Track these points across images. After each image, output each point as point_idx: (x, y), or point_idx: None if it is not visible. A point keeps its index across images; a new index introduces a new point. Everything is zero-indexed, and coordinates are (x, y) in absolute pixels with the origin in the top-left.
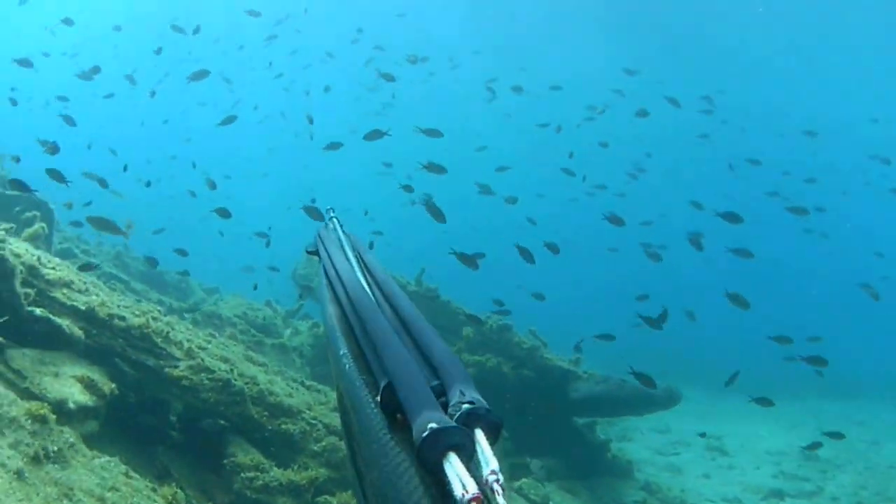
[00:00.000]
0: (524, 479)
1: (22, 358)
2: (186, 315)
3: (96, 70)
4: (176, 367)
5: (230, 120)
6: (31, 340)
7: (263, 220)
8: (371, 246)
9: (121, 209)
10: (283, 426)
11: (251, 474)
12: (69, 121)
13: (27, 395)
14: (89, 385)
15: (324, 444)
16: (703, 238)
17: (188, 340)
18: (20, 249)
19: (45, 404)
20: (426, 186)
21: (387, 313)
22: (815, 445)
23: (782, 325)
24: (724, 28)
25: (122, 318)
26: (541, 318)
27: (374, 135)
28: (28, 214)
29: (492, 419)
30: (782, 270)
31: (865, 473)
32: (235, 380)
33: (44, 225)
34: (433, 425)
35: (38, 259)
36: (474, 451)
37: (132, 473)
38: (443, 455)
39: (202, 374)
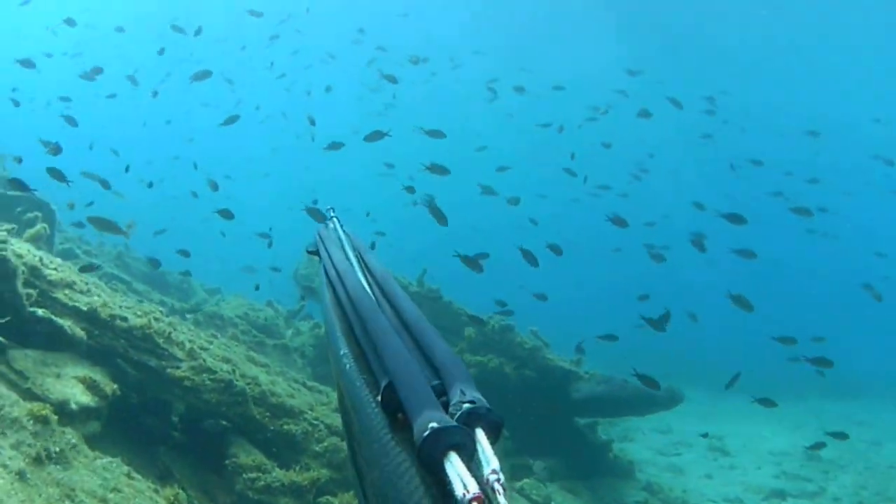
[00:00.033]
0: (526, 480)
1: (24, 359)
2: (188, 316)
3: (98, 70)
4: (178, 367)
5: (233, 119)
6: (33, 341)
7: (265, 221)
8: (373, 246)
9: (123, 210)
10: (285, 427)
11: (253, 475)
12: (71, 121)
13: (29, 395)
14: (91, 386)
15: (326, 444)
16: (705, 239)
17: (190, 341)
18: (22, 250)
19: (47, 405)
20: (428, 187)
21: (387, 312)
22: (819, 445)
23: (784, 326)
24: (726, 28)
25: (124, 319)
26: (543, 319)
27: (375, 136)
28: (30, 215)
29: (492, 418)
30: (784, 270)
31: (866, 473)
32: (237, 380)
33: (45, 225)
34: (434, 425)
35: (40, 260)
36: (475, 450)
37: (134, 474)
38: (444, 454)
39: (204, 375)
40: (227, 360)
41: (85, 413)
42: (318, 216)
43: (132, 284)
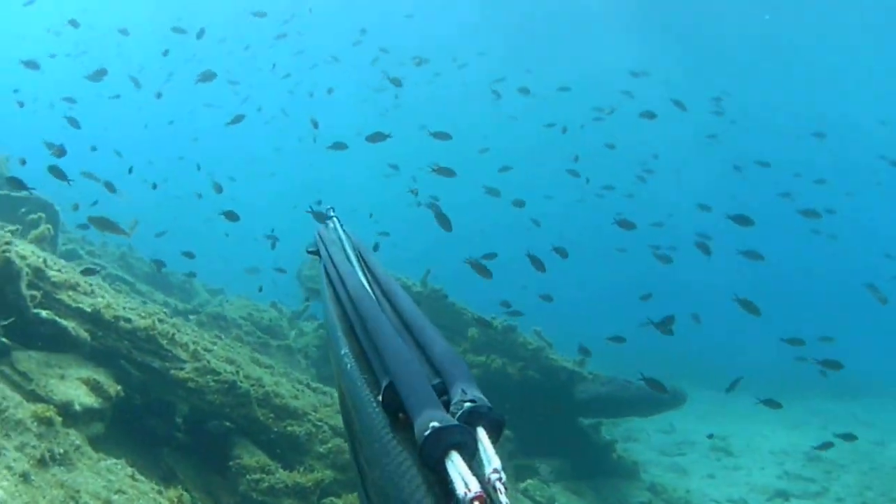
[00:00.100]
0: (529, 480)
1: (28, 360)
2: (191, 316)
3: (103, 72)
4: (182, 368)
5: (238, 119)
6: (36, 342)
7: (269, 221)
8: (376, 247)
9: (126, 210)
10: (289, 428)
11: (257, 476)
12: (73, 123)
13: (33, 397)
14: (95, 387)
15: (329, 445)
16: (710, 241)
17: (194, 342)
18: (26, 251)
19: (51, 406)
20: (432, 187)
21: (388, 312)
22: (826, 446)
23: (789, 326)
24: (730, 29)
25: (128, 320)
26: (546, 319)
27: (377, 137)
28: (33, 216)
29: (494, 417)
30: (789, 271)
31: (870, 474)
32: (241, 382)
33: (49, 227)
34: (435, 424)
35: (44, 261)
36: (476, 449)
37: (138, 475)
38: (445, 454)
39: (208, 376)
40: (231, 362)
41: (89, 414)
42: (324, 219)
43: (135, 285)
